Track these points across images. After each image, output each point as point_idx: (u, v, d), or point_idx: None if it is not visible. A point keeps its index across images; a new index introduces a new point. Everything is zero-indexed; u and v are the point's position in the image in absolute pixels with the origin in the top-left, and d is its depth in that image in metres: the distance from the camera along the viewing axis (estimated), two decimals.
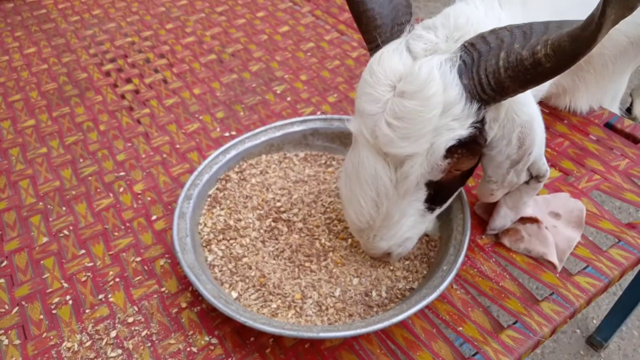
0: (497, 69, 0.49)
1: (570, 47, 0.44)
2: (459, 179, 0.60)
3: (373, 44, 0.58)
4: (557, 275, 0.68)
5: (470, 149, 0.54)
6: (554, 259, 0.69)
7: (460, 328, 0.63)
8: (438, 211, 0.62)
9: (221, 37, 1.19)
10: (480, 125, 0.53)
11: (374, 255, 0.65)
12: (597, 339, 1.18)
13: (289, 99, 1.01)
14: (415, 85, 0.50)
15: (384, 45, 0.56)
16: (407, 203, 0.57)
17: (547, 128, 0.88)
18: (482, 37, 0.51)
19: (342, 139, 0.85)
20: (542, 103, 0.94)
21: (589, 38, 0.42)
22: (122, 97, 1.04)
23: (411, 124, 0.50)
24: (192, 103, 1.01)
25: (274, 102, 1.00)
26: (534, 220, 0.73)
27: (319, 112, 0.97)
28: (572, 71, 0.86)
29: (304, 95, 1.02)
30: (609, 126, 0.90)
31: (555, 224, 0.75)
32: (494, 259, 0.71)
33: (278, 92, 1.03)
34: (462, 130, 0.51)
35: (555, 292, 0.66)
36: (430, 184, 0.56)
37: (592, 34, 0.42)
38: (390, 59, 0.53)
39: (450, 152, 0.53)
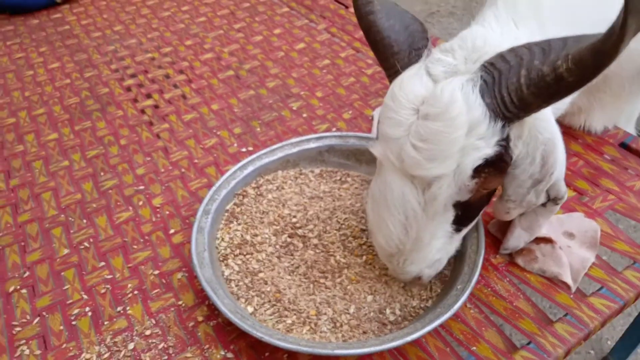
0: (519, 86, 0.50)
1: (592, 60, 0.45)
2: (485, 198, 0.60)
3: (391, 70, 0.59)
4: (572, 296, 0.68)
5: (497, 168, 0.55)
6: (568, 279, 0.70)
7: (474, 347, 0.63)
8: (465, 231, 0.63)
9: (239, 54, 1.22)
10: (505, 143, 0.53)
11: (404, 280, 0.65)
12: None
13: (304, 115, 1.03)
14: (439, 107, 0.51)
15: (403, 70, 0.58)
16: (436, 225, 0.57)
17: None
18: (501, 56, 0.52)
19: (357, 156, 0.86)
20: (557, 122, 0.94)
21: (610, 50, 0.43)
22: (142, 112, 1.07)
23: (437, 145, 0.51)
24: (210, 118, 1.04)
25: (290, 118, 1.02)
26: (548, 241, 0.73)
27: (334, 129, 0.99)
28: (588, 91, 0.87)
29: (319, 111, 1.03)
30: (624, 146, 0.90)
31: (569, 244, 0.75)
32: (508, 279, 0.71)
33: (294, 108, 1.05)
34: (488, 149, 0.52)
35: (570, 313, 0.66)
36: (457, 205, 0.57)
37: (614, 46, 0.42)
38: (412, 83, 0.54)
39: (477, 171, 0.53)
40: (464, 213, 0.59)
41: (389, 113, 0.55)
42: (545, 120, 0.58)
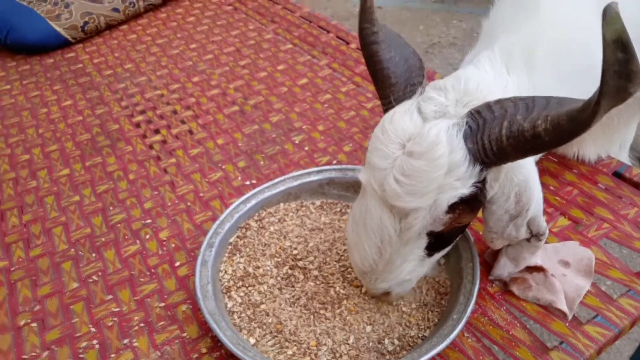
0: (500, 137, 0.54)
1: (568, 126, 0.48)
2: (458, 230, 0.64)
3: (386, 100, 0.63)
4: (567, 324, 0.69)
5: (470, 206, 0.58)
6: (563, 306, 0.71)
7: None
8: (438, 256, 0.66)
9: (244, 90, 1.27)
10: (481, 185, 0.57)
11: (374, 295, 0.69)
12: None
13: (306, 148, 1.06)
14: (424, 146, 0.55)
15: (396, 103, 0.61)
16: (409, 250, 0.61)
17: (556, 177, 0.92)
18: (488, 105, 0.56)
19: (356, 188, 0.88)
20: (551, 152, 0.97)
21: (584, 121, 0.47)
22: (151, 147, 1.11)
23: (417, 181, 0.55)
24: (215, 153, 1.07)
25: (292, 151, 1.06)
26: (540, 269, 0.75)
27: (334, 162, 1.02)
28: None
29: (321, 145, 1.07)
30: (618, 175, 0.92)
31: (565, 272, 0.76)
32: (504, 307, 0.73)
33: (296, 142, 1.08)
34: (464, 189, 0.56)
35: (565, 341, 0.67)
36: (431, 234, 0.60)
37: (588, 119, 0.46)
38: (402, 119, 0.58)
39: (452, 208, 0.57)
40: (436, 241, 0.62)
41: (378, 144, 0.58)
42: (521, 166, 0.62)
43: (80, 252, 0.88)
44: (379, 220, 0.59)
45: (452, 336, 0.63)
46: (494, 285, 0.76)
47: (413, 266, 0.63)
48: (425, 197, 0.55)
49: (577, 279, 0.75)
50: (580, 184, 0.91)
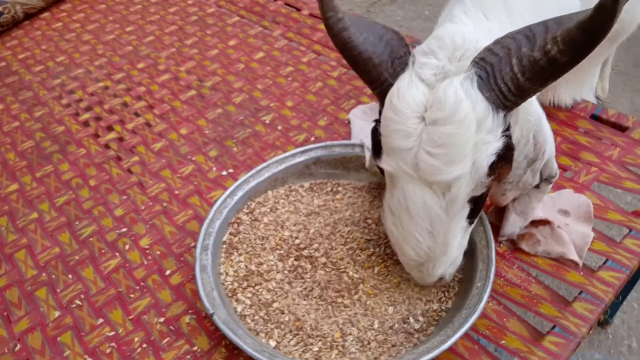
0: (514, 76, 0.51)
1: (584, 38, 0.46)
2: (491, 187, 0.61)
3: (376, 83, 0.58)
4: (581, 273, 0.70)
5: (507, 158, 0.56)
6: (574, 256, 0.71)
7: (503, 341, 0.64)
8: (474, 223, 0.63)
9: (197, 71, 1.17)
10: (508, 132, 0.55)
11: (430, 284, 0.65)
12: (604, 318, 1.22)
13: (279, 127, 1.00)
14: (447, 110, 0.52)
15: (392, 80, 0.57)
16: (455, 223, 0.58)
17: None
18: (489, 49, 0.53)
19: (345, 164, 0.85)
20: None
21: (603, 26, 0.45)
22: (107, 146, 1.00)
23: (453, 147, 0.52)
24: (181, 144, 0.99)
25: (265, 132, 0.99)
26: (545, 222, 0.75)
27: (312, 138, 0.96)
28: None
29: (293, 122, 1.01)
30: (595, 117, 0.93)
31: (566, 221, 0.77)
32: (517, 265, 0.72)
33: (267, 121, 1.01)
34: (496, 142, 0.54)
35: (584, 290, 0.68)
36: (472, 200, 0.58)
37: (607, 21, 0.44)
38: (410, 91, 0.54)
39: (492, 168, 0.54)
40: (475, 206, 0.60)
41: (395, 126, 0.54)
42: (532, 104, 0.61)
43: (53, 276, 0.78)
44: (423, 203, 0.55)
45: (481, 305, 0.61)
46: (501, 245, 0.75)
47: (460, 239, 0.60)
48: (464, 162, 0.53)
49: (579, 227, 0.76)
50: (562, 130, 0.91)
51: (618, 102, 1.74)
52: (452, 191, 0.54)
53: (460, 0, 0.65)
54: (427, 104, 0.54)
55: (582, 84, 0.98)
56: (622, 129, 0.90)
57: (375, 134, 0.58)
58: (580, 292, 0.68)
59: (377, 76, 0.58)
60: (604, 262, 0.71)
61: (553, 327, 0.64)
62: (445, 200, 0.55)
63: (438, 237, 0.57)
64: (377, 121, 0.59)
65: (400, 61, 0.58)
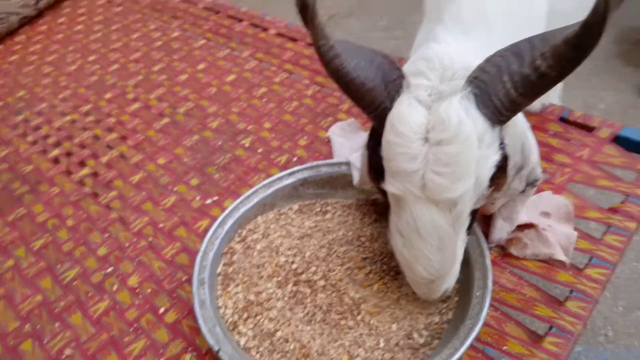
0: (508, 92, 0.54)
1: (572, 53, 0.49)
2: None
3: (371, 107, 0.59)
4: (570, 272, 0.73)
5: (503, 169, 0.59)
6: (561, 256, 0.74)
7: (505, 347, 0.65)
8: (470, 234, 0.65)
9: (168, 98, 1.15)
10: (503, 145, 0.58)
11: (435, 299, 0.66)
12: None
13: (260, 150, 0.99)
14: (451, 130, 0.53)
15: (388, 103, 0.58)
16: (460, 237, 0.60)
17: None
18: (480, 68, 0.56)
19: (332, 184, 0.85)
20: None
21: (590, 42, 0.47)
22: (81, 183, 0.97)
23: (458, 166, 0.54)
24: (160, 175, 0.97)
25: (245, 156, 0.98)
26: (530, 226, 0.78)
27: (295, 159, 0.96)
28: None
29: (274, 143, 1.00)
30: (563, 119, 0.97)
31: (549, 223, 0.80)
32: (508, 270, 0.75)
33: (247, 145, 1.01)
34: (495, 155, 0.56)
35: (574, 289, 0.70)
36: (472, 212, 0.60)
37: (594, 37, 0.46)
38: (410, 114, 0.55)
39: (492, 179, 0.57)
40: (473, 218, 0.62)
41: (399, 149, 0.55)
42: (518, 116, 0.63)
43: (38, 326, 0.74)
44: (432, 221, 0.56)
45: (483, 313, 0.63)
46: (492, 251, 0.77)
47: (461, 252, 0.62)
48: (469, 178, 0.55)
49: (561, 227, 0.79)
50: (535, 135, 0.95)
51: (572, 101, 1.83)
52: (458, 207, 0.56)
53: (439, 19, 0.67)
54: (429, 125, 0.55)
55: (551, 89, 1.02)
56: (589, 129, 0.95)
57: (373, 158, 0.59)
58: (571, 291, 0.70)
59: (371, 101, 0.58)
60: (589, 260, 0.74)
61: (550, 328, 0.67)
62: (452, 216, 0.57)
63: (447, 252, 0.59)
64: (373, 144, 0.59)
65: (393, 84, 0.59)
